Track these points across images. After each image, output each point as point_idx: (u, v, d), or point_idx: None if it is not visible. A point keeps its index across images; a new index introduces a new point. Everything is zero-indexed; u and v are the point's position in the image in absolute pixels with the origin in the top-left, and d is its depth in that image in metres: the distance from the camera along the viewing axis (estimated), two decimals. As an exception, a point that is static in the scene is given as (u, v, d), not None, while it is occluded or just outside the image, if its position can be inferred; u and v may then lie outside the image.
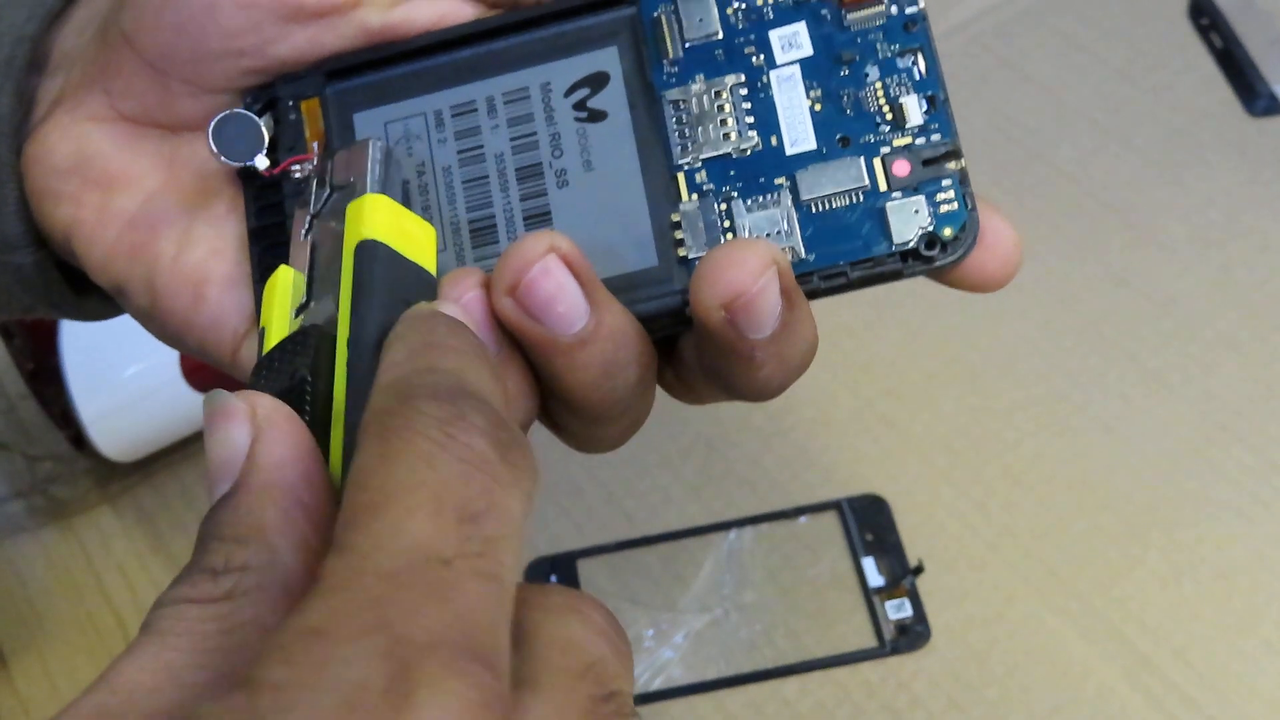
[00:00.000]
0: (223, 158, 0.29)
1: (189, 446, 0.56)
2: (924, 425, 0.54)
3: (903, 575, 0.49)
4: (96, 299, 0.34)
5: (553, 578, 0.51)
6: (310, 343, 0.24)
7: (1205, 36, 0.65)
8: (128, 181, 0.30)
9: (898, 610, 0.49)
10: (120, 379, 0.52)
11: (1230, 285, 0.57)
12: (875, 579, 0.49)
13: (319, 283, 0.26)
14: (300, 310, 0.26)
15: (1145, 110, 0.63)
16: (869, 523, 0.51)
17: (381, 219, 0.25)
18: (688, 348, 0.29)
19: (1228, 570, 0.49)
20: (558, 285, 0.25)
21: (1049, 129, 0.63)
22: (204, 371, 0.52)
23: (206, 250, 0.30)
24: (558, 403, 0.27)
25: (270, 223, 0.30)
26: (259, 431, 0.22)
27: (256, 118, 0.29)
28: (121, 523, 0.55)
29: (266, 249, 0.29)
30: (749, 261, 0.25)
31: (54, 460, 0.56)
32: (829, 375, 0.55)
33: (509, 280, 0.25)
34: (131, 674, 0.19)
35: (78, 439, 0.53)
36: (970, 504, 0.51)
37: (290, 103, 0.30)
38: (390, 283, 0.25)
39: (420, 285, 0.26)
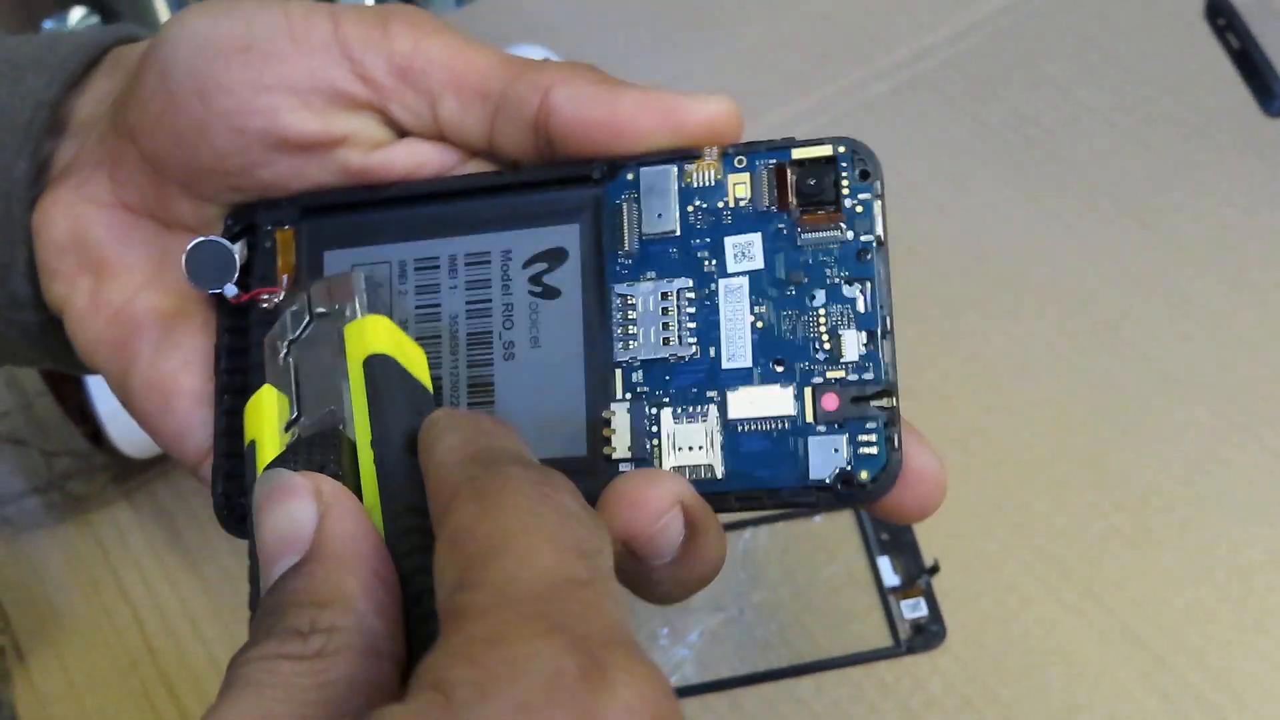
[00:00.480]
0: (194, 284, 0.30)
1: (205, 443, 0.56)
2: (939, 425, 0.54)
3: (918, 575, 0.49)
4: None
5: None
6: (336, 443, 0.25)
7: (1222, 37, 0.65)
8: (119, 271, 0.32)
9: (913, 609, 0.49)
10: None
11: (1246, 285, 0.57)
12: (891, 578, 0.49)
13: (306, 400, 0.27)
14: (289, 425, 0.27)
15: (1162, 110, 0.63)
16: (884, 522, 0.51)
17: (384, 337, 0.27)
18: None
19: (1244, 571, 0.48)
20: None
21: (1065, 129, 0.63)
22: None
23: (179, 361, 0.31)
24: None
25: (236, 346, 0.31)
26: (328, 507, 0.23)
27: (230, 245, 0.30)
28: (138, 518, 0.55)
29: (231, 371, 0.30)
30: (652, 501, 0.26)
31: (71, 456, 0.56)
32: (844, 374, 0.55)
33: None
34: None
35: (95, 435, 0.54)
36: (986, 504, 0.51)
37: (268, 228, 0.31)
38: (403, 391, 0.26)
39: (423, 398, 0.27)
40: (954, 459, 0.53)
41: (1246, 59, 0.64)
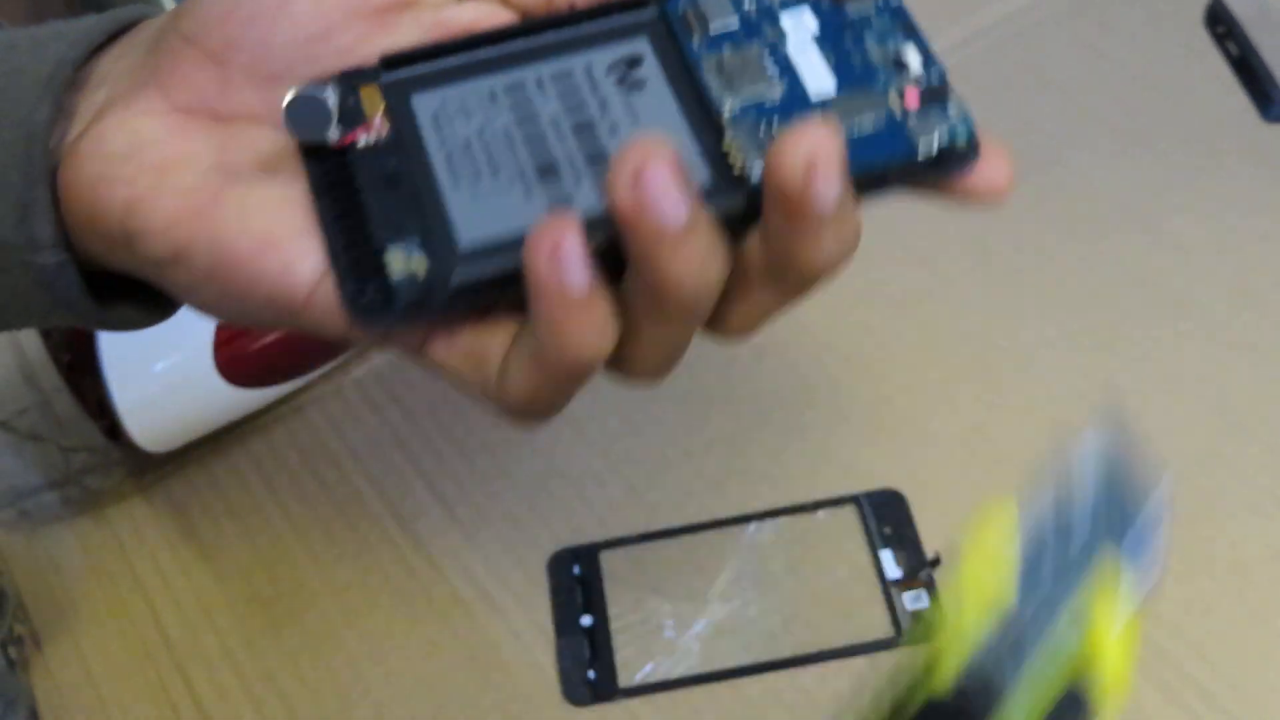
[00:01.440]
0: (296, 134, 0.32)
1: (220, 439, 0.57)
2: (942, 422, 0.55)
3: (920, 568, 0.50)
4: (120, 307, 0.36)
5: (575, 569, 0.52)
6: None
7: (1221, 44, 0.66)
8: (183, 162, 0.32)
9: (915, 601, 0.49)
10: (156, 371, 0.53)
11: (1246, 288, 0.57)
12: (893, 571, 0.50)
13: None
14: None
15: (1163, 116, 0.64)
16: (887, 517, 0.52)
17: (1123, 671, 0.22)
18: (750, 246, 0.31)
19: (1242, 566, 0.49)
20: (670, 179, 0.28)
21: (1068, 133, 0.64)
22: (238, 364, 0.54)
23: (273, 208, 0.32)
24: (648, 304, 0.30)
25: (338, 180, 0.32)
26: None
27: (324, 94, 0.32)
28: (154, 512, 0.56)
29: (334, 212, 0.32)
30: (821, 130, 0.28)
31: (88, 451, 0.57)
32: (848, 374, 0.56)
33: (631, 172, 0.28)
34: None
35: (112, 430, 0.55)
36: (988, 500, 0.52)
37: (351, 86, 0.33)
38: None
39: None
40: (957, 456, 0.53)
41: (1246, 66, 0.65)
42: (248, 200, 0.32)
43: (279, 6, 0.32)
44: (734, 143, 0.31)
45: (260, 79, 0.32)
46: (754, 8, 0.33)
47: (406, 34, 0.33)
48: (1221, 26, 0.66)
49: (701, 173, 0.31)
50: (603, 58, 0.33)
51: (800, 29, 0.33)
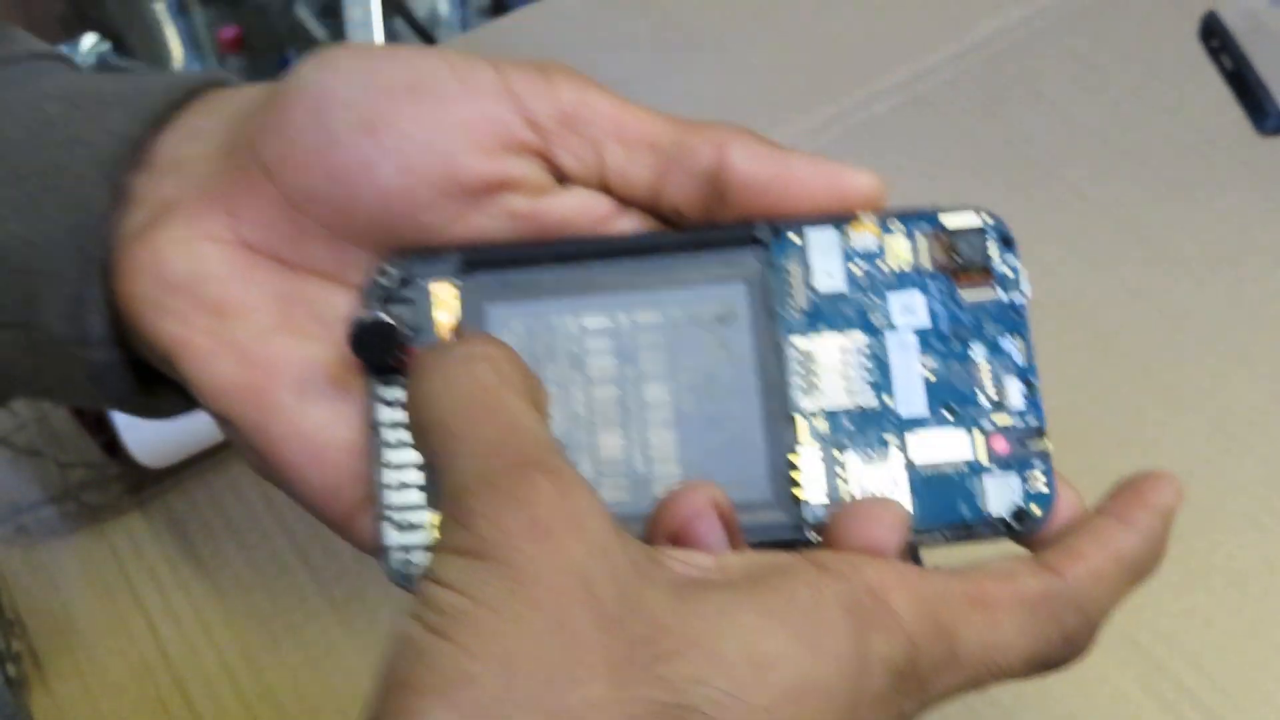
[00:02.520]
0: (361, 359, 0.29)
1: (218, 454, 0.57)
2: (940, 436, 0.55)
3: (919, 581, 0.50)
4: (168, 399, 0.34)
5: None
6: None
7: (1215, 58, 0.67)
8: (242, 311, 0.30)
9: (914, 615, 0.49)
10: (154, 386, 0.53)
11: (1242, 300, 0.58)
12: (892, 585, 0.50)
13: None
14: None
15: (1157, 129, 0.64)
16: (886, 530, 0.52)
17: None
18: None
19: (1240, 578, 0.49)
20: (713, 537, 0.27)
21: (1063, 147, 0.64)
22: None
23: (330, 412, 0.30)
24: None
25: (395, 417, 0.30)
26: None
27: (392, 321, 0.29)
28: (152, 528, 0.56)
29: (385, 452, 0.29)
30: (890, 521, 0.27)
31: (86, 467, 0.57)
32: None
33: (673, 528, 0.27)
34: None
35: (110, 445, 0.54)
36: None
37: (424, 282, 0.30)
38: None
39: None
40: (954, 469, 0.53)
41: (1239, 79, 0.65)
42: (304, 396, 0.29)
43: (364, 169, 0.29)
44: (803, 462, 0.29)
45: (335, 238, 0.30)
46: (864, 275, 0.30)
47: (495, 222, 0.30)
48: (1216, 40, 0.67)
49: (759, 483, 0.29)
50: (694, 304, 0.30)
51: (907, 316, 0.30)
